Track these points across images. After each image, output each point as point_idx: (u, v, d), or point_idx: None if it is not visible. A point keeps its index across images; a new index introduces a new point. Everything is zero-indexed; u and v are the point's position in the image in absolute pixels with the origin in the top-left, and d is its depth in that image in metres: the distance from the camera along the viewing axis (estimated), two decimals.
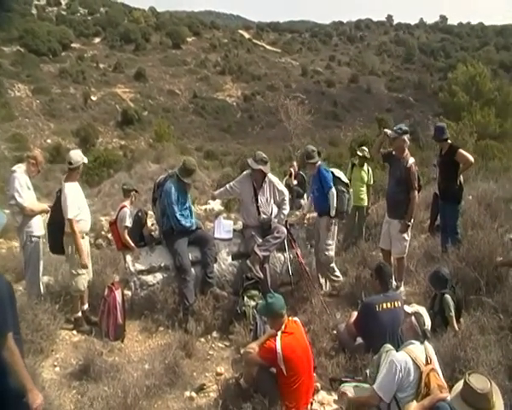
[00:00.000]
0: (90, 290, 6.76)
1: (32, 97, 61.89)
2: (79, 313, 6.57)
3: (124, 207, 7.40)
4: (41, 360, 5.53)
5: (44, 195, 13.95)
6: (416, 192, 7.05)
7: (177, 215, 6.88)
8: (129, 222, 7.26)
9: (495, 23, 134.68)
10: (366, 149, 10.29)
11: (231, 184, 7.60)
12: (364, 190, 10.07)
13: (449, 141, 8.13)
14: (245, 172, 7.58)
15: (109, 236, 11.51)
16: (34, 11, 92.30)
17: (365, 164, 10.14)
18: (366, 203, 10.13)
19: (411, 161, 7.06)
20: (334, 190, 7.39)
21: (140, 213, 7.50)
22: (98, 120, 60.61)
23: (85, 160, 6.57)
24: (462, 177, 8.04)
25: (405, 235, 7.20)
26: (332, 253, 7.57)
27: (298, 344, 4.78)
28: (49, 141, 50.73)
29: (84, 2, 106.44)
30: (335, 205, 7.38)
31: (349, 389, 4.66)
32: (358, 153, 10.28)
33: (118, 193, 17.56)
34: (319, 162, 7.68)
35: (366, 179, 10.01)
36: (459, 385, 3.73)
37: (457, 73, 41.42)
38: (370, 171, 10.20)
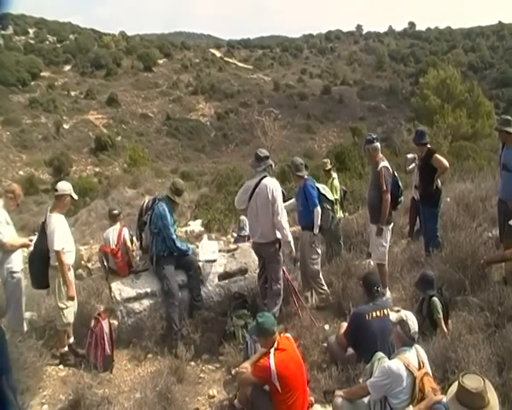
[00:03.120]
0: (75, 323, 6.62)
1: (2, 129, 61.27)
2: (66, 348, 6.44)
3: (122, 229, 7.45)
4: (28, 398, 5.40)
5: (19, 228, 13.73)
6: (388, 195, 7.05)
7: (174, 237, 6.85)
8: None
9: (462, 26, 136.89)
10: (326, 160, 10.29)
11: None
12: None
13: (428, 145, 8.23)
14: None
15: (89, 265, 11.40)
16: (1, 41, 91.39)
17: (334, 174, 9.98)
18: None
19: (382, 164, 7.12)
20: (319, 207, 7.37)
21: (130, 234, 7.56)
22: (71, 149, 60.28)
23: (74, 195, 6.44)
24: (439, 180, 8.13)
25: (382, 240, 7.23)
26: (317, 267, 7.56)
27: (291, 360, 4.76)
28: (21, 173, 50.23)
29: (53, 30, 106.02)
30: (319, 223, 7.39)
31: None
32: (325, 168, 10.16)
33: (95, 221, 17.44)
34: (306, 176, 7.68)
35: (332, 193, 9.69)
36: (453, 387, 3.74)
37: (428, 78, 42.23)
38: (336, 183, 9.88)
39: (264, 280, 6.91)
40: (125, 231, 7.51)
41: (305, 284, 7.78)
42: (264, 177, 6.71)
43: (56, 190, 6.38)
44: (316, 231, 7.39)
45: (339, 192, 9.90)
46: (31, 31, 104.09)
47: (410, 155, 9.99)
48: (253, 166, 6.95)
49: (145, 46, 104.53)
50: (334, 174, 10.13)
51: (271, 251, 6.78)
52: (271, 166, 6.83)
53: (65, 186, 6.40)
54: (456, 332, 5.55)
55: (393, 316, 4.64)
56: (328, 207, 7.64)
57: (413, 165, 9.75)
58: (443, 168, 8.04)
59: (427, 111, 37.84)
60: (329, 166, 10.04)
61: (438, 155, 8.06)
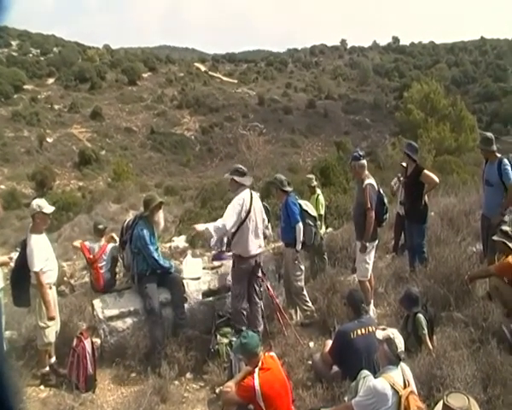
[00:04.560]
0: (57, 342, 6.50)
1: None
2: (47, 368, 6.32)
3: (106, 245, 7.41)
4: None
5: (0, 243, 13.58)
6: (372, 213, 7.08)
7: (155, 256, 6.78)
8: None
9: (445, 41, 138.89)
10: (311, 177, 10.29)
11: None
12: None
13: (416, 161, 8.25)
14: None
15: (72, 281, 11.24)
16: None
17: (318, 190, 9.91)
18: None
19: (367, 182, 7.14)
20: (300, 224, 7.37)
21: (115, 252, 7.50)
22: (55, 162, 59.86)
23: (46, 209, 6.23)
24: (426, 196, 8.16)
25: (366, 257, 7.24)
26: (301, 283, 7.54)
27: (276, 379, 4.73)
28: (2, 187, 49.60)
29: (36, 43, 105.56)
30: (302, 239, 7.37)
31: None
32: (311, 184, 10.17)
33: (79, 236, 17.22)
34: (289, 193, 7.67)
35: (317, 209, 9.63)
36: (439, 407, 3.74)
37: (412, 92, 42.78)
38: (321, 199, 9.82)
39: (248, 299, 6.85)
40: (109, 248, 7.45)
41: (289, 301, 7.76)
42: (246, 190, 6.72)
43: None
44: (298, 247, 7.38)
45: (324, 208, 9.91)
46: (14, 43, 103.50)
47: (393, 182, 10.04)
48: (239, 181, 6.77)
49: (130, 60, 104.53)
50: (319, 190, 10.11)
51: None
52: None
53: (34, 204, 6.26)
54: (441, 349, 5.56)
55: (380, 334, 4.62)
56: (311, 224, 7.63)
57: (395, 180, 9.81)
58: (433, 184, 8.05)
59: (411, 125, 38.31)
60: (315, 183, 10.02)
61: (427, 171, 8.07)
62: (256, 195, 6.90)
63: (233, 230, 6.48)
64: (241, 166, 6.90)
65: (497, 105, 78.95)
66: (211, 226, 6.28)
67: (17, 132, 66.17)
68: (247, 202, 6.55)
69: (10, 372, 3.22)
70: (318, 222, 8.57)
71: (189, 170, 66.11)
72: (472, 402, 3.65)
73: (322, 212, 9.80)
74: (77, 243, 7.90)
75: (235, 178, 6.66)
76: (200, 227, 6.46)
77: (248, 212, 6.55)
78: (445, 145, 33.84)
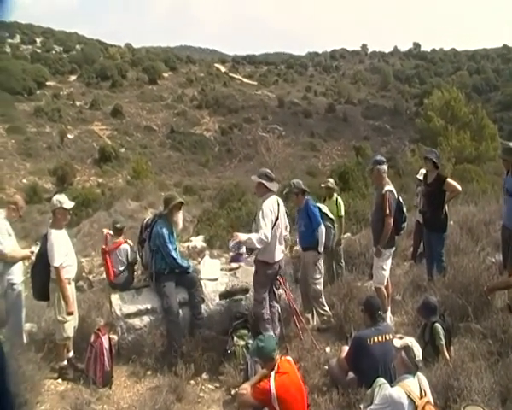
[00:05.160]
0: (75, 337, 6.59)
1: (7, 137, 61.33)
2: (65, 361, 6.40)
3: (122, 242, 7.68)
4: None
5: (21, 237, 13.73)
6: (391, 219, 7.05)
7: (174, 254, 6.82)
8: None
9: (467, 48, 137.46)
10: (330, 180, 10.26)
11: None
12: (336, 223, 9.20)
13: (437, 170, 8.19)
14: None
15: (91, 277, 11.37)
16: (8, 49, 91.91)
17: (335, 194, 9.88)
18: (338, 237, 9.35)
19: (387, 188, 7.12)
20: (323, 226, 7.46)
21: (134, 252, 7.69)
22: (75, 159, 60.32)
23: (66, 204, 6.34)
24: (446, 205, 8.11)
25: (383, 264, 7.21)
26: (320, 287, 7.57)
27: (292, 384, 4.74)
28: (25, 181, 50.21)
29: (60, 40, 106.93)
30: (323, 241, 7.42)
31: None
32: (322, 185, 10.19)
33: (98, 233, 17.40)
34: (307, 197, 7.72)
35: (336, 211, 9.48)
36: None
37: (433, 99, 42.22)
38: (340, 201, 9.84)
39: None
40: (125, 249, 7.67)
41: (306, 305, 7.77)
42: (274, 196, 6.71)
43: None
44: (321, 249, 7.45)
45: (343, 210, 9.92)
46: (38, 40, 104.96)
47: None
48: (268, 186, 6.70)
49: (150, 59, 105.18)
50: (336, 194, 10.06)
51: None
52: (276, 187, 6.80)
53: (54, 200, 6.38)
54: (459, 360, 5.50)
55: (398, 342, 4.61)
56: (330, 226, 7.74)
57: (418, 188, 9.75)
58: (456, 192, 8.01)
59: (431, 132, 37.88)
60: (334, 187, 9.98)
61: (450, 180, 8.02)
62: (281, 201, 6.89)
63: None
64: (269, 170, 6.84)
65: None
66: (254, 237, 6.27)
67: (39, 128, 66.91)
68: (275, 210, 6.55)
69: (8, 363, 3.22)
70: (336, 224, 8.67)
71: (207, 170, 66.27)
72: None
73: (343, 213, 9.83)
74: (105, 230, 8.14)
75: (265, 182, 6.59)
76: (242, 237, 6.46)
77: (276, 219, 6.55)
78: (465, 154, 33.47)
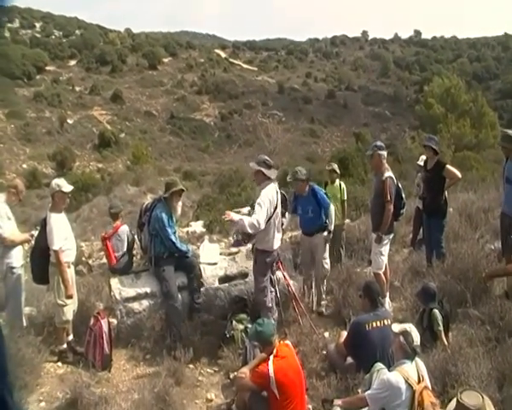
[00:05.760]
0: (75, 320, 6.62)
1: (7, 122, 60.99)
2: (64, 345, 6.44)
3: (120, 225, 7.73)
4: (25, 395, 5.37)
5: (21, 221, 13.72)
6: (391, 205, 7.08)
7: (173, 238, 6.82)
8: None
9: (468, 36, 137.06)
10: (334, 164, 10.24)
11: None
12: (339, 208, 9.50)
13: (437, 156, 8.18)
14: None
15: (90, 262, 11.37)
16: (7, 34, 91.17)
17: (337, 180, 9.80)
18: (341, 221, 9.65)
19: (387, 174, 7.12)
20: (332, 206, 7.74)
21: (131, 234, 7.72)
22: (75, 144, 60.05)
23: (65, 188, 6.34)
24: (446, 191, 8.11)
25: (382, 249, 7.25)
26: (329, 266, 7.77)
27: (290, 368, 4.76)
28: (24, 166, 50.07)
29: (59, 25, 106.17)
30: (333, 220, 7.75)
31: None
32: (327, 167, 10.23)
33: (97, 218, 17.42)
34: (310, 183, 7.78)
35: (339, 196, 9.62)
36: (452, 404, 3.73)
37: (433, 86, 42.18)
38: (343, 186, 9.83)
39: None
40: (123, 230, 7.68)
41: (305, 290, 7.81)
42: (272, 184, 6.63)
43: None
44: (331, 227, 7.68)
45: (346, 194, 9.91)
46: (37, 25, 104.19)
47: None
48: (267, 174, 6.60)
49: (150, 44, 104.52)
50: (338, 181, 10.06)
51: None
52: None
53: (53, 184, 6.39)
54: (457, 345, 5.54)
55: (396, 327, 4.64)
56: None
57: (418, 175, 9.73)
58: (455, 179, 8.01)
59: (431, 119, 37.86)
60: (337, 171, 9.95)
61: (449, 166, 8.02)
62: (278, 188, 6.86)
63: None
64: (268, 158, 6.74)
65: None
66: (246, 220, 6.19)
67: (39, 113, 66.55)
68: (274, 199, 6.47)
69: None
70: (339, 209, 9.10)
71: (207, 156, 66.08)
72: (486, 401, 3.64)
73: (345, 197, 9.84)
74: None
75: (263, 170, 6.49)
76: (235, 217, 6.35)
77: (275, 208, 6.49)
78: (464, 141, 33.49)
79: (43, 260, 6.30)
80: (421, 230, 9.26)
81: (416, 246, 9.61)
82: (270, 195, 6.38)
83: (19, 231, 6.93)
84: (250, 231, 6.21)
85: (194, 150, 67.78)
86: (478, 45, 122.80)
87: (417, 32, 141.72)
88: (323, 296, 7.73)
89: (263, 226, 6.21)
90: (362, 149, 23.49)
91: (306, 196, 7.66)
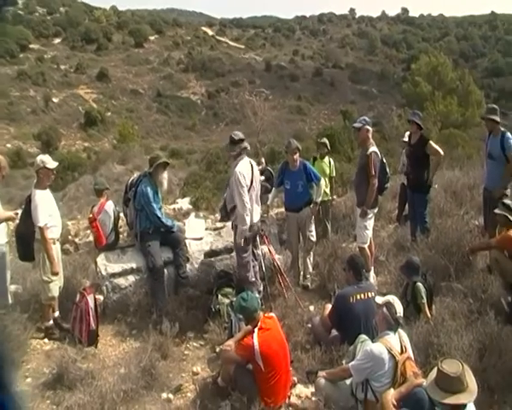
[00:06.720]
0: (61, 297, 6.60)
1: None
2: (51, 321, 6.43)
3: (104, 202, 7.66)
4: (12, 372, 5.37)
5: (6, 201, 13.60)
6: (376, 180, 7.13)
7: (158, 213, 6.83)
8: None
9: (455, 14, 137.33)
10: (325, 140, 10.27)
11: None
12: (327, 183, 9.54)
13: (421, 132, 8.21)
14: None
15: (77, 240, 11.30)
16: None
17: (326, 156, 9.88)
18: (329, 197, 9.84)
19: (371, 149, 7.16)
20: (323, 180, 7.88)
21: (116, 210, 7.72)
22: (60, 123, 59.41)
23: (49, 164, 6.28)
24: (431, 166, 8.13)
25: (366, 223, 7.31)
26: (315, 238, 7.83)
27: (274, 340, 4.81)
28: (8, 145, 49.23)
29: (43, 2, 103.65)
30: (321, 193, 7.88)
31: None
32: (318, 140, 10.30)
33: (83, 196, 17.28)
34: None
35: (328, 172, 9.73)
36: (433, 373, 3.80)
37: (420, 64, 42.25)
38: (332, 162, 9.97)
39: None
40: (109, 205, 7.66)
41: (292, 265, 7.85)
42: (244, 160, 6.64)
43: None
44: (318, 200, 7.75)
45: (334, 171, 10.07)
46: (20, 1, 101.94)
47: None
48: (228, 150, 6.86)
49: (136, 22, 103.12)
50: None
51: None
52: (246, 148, 6.67)
53: (38, 160, 6.34)
54: (440, 318, 5.64)
55: (379, 299, 4.70)
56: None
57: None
58: (438, 155, 8.04)
59: (418, 97, 37.97)
60: (328, 145, 10.01)
61: (432, 143, 8.07)
62: (254, 162, 6.85)
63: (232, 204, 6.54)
64: (235, 133, 6.83)
65: (504, 81, 77.65)
66: (240, 218, 6.43)
67: (23, 92, 65.49)
68: (249, 173, 6.51)
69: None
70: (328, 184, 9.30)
71: (194, 134, 65.69)
72: (465, 368, 3.72)
73: (334, 173, 10.02)
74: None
75: (231, 153, 6.67)
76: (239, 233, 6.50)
77: (251, 183, 6.51)
78: (451, 119, 33.60)
79: (28, 237, 6.26)
80: (407, 205, 9.34)
81: (401, 221, 9.68)
82: (241, 175, 6.41)
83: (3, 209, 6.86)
84: (247, 217, 6.38)
85: (181, 128, 67.36)
86: (465, 24, 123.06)
87: (405, 10, 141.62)
88: (310, 270, 7.78)
89: (248, 210, 6.37)
90: (348, 127, 23.44)
91: (297, 171, 7.66)
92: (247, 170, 6.49)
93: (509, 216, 6.52)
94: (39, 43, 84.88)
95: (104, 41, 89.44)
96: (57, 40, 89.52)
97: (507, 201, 6.77)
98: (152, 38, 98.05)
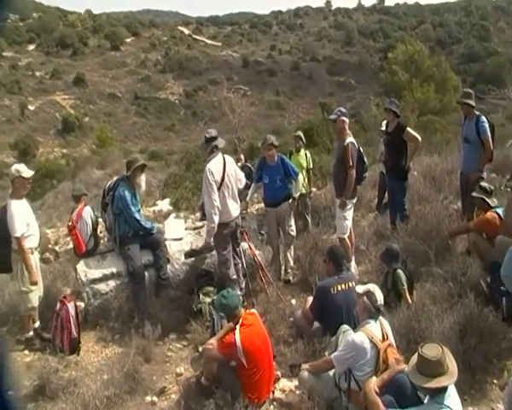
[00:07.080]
0: (41, 306, 6.51)
1: None
2: (31, 332, 6.34)
3: (82, 208, 7.62)
4: None
5: None
6: (353, 171, 7.15)
7: (137, 216, 6.78)
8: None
9: (431, 2, 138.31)
10: (300, 133, 10.30)
11: None
12: (304, 176, 9.67)
13: (398, 119, 8.24)
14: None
15: (57, 248, 11.19)
16: None
17: (302, 149, 9.93)
18: (307, 190, 9.89)
19: (348, 140, 7.19)
20: (300, 175, 8.01)
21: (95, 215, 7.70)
22: (37, 130, 58.78)
23: (25, 173, 6.19)
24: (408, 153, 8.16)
25: (345, 214, 7.33)
26: (295, 232, 7.88)
27: (256, 335, 4.81)
28: None
29: (15, 8, 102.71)
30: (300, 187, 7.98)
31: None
32: (293, 133, 10.46)
33: (62, 204, 17.10)
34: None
35: (305, 165, 9.81)
36: (414, 358, 3.82)
37: (397, 53, 42.49)
38: (308, 155, 10.04)
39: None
40: (87, 211, 7.62)
41: (272, 260, 7.84)
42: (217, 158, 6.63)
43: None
44: (297, 195, 7.79)
45: (311, 163, 10.18)
46: None
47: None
48: (203, 149, 6.88)
49: (112, 24, 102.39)
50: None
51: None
52: (218, 146, 6.62)
53: (13, 169, 6.25)
54: (420, 303, 5.67)
55: (360, 288, 4.71)
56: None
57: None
58: (415, 142, 8.07)
59: (396, 86, 38.15)
60: (303, 138, 10.07)
61: (409, 129, 8.11)
62: (229, 158, 6.83)
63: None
64: (208, 131, 6.85)
65: (481, 66, 78.46)
66: (209, 224, 6.47)
67: None
68: (220, 170, 6.48)
69: None
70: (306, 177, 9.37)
71: (173, 134, 65.53)
72: (445, 351, 3.74)
73: (311, 166, 10.13)
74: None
75: (205, 152, 6.69)
76: (206, 239, 6.60)
77: (222, 179, 6.47)
78: (429, 106, 33.82)
79: (4, 248, 6.15)
80: (387, 194, 9.38)
81: (381, 210, 9.73)
82: (213, 169, 6.42)
83: None
84: (216, 218, 6.35)
85: (160, 130, 67.15)
86: (441, 10, 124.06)
87: (380, 0, 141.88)
88: (291, 264, 7.78)
89: (216, 210, 6.34)
90: (327, 119, 23.50)
91: (275, 166, 7.67)
92: (217, 167, 6.47)
93: (486, 199, 6.60)
94: (13, 51, 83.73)
95: (80, 45, 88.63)
96: (31, 47, 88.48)
97: (483, 183, 6.84)
98: (128, 40, 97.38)
